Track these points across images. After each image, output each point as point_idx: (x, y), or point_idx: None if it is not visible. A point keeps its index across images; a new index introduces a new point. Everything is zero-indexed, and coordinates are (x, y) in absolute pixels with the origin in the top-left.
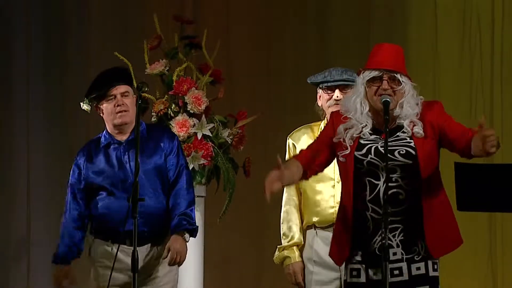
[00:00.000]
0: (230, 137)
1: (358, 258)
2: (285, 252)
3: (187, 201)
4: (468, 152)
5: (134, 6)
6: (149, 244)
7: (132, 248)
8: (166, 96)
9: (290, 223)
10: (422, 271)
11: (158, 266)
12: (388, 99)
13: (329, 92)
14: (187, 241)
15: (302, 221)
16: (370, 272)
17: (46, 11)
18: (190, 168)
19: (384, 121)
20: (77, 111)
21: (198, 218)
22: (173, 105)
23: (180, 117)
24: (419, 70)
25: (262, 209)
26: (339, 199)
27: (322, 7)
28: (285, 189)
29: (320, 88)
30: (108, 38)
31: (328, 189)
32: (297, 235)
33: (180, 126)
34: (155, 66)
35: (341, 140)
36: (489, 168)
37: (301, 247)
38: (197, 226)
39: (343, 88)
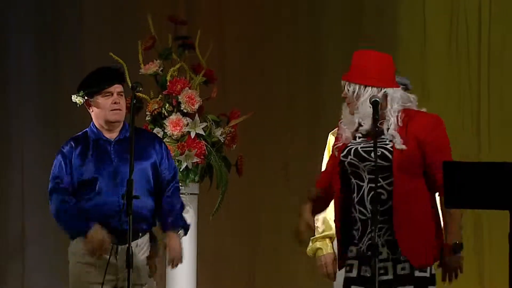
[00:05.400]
0: (223, 136)
1: (353, 254)
2: (318, 244)
3: (181, 202)
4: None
5: (128, 7)
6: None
7: (117, 245)
8: (160, 96)
9: (324, 215)
10: (407, 271)
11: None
12: (377, 99)
13: None
14: (181, 238)
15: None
16: (362, 268)
17: (40, 10)
18: (184, 166)
19: (373, 120)
20: (72, 111)
21: (191, 215)
22: (167, 105)
23: (173, 116)
24: (408, 70)
25: (254, 206)
26: None
27: (314, 7)
28: None
29: None
30: (102, 39)
31: None
32: (331, 228)
33: (173, 125)
34: (149, 66)
35: (339, 136)
36: (477, 166)
37: (333, 240)
38: (189, 225)
39: None
